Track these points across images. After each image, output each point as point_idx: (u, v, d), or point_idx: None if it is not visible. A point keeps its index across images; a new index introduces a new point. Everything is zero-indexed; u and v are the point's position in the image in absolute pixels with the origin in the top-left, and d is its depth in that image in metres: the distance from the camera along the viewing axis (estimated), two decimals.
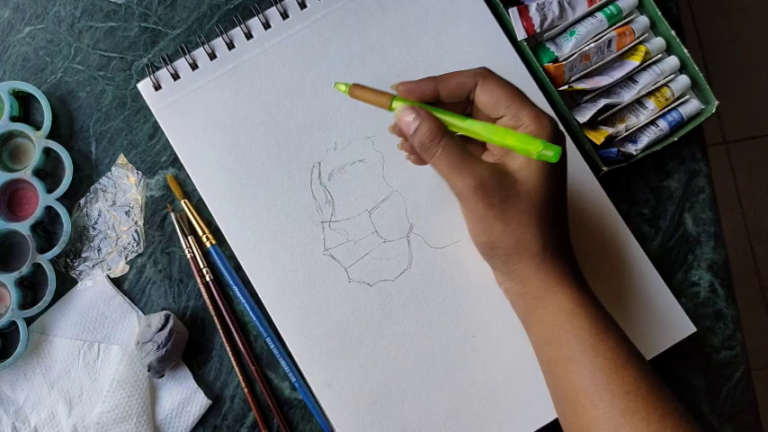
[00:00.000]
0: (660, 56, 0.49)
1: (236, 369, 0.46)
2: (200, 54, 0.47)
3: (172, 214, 0.47)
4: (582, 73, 0.48)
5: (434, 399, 0.45)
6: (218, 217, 0.46)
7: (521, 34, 0.47)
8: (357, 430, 0.44)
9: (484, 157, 0.40)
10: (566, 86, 0.47)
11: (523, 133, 0.37)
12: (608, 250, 0.47)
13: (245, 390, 0.46)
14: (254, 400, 0.46)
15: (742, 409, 0.47)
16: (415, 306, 0.46)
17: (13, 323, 0.45)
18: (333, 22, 0.48)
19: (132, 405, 0.45)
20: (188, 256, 0.47)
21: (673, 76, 0.49)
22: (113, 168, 0.48)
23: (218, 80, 0.47)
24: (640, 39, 0.48)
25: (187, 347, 0.46)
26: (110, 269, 0.47)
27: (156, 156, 0.48)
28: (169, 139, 0.47)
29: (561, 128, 0.39)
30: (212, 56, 0.47)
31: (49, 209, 0.46)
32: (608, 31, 0.48)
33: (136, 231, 0.47)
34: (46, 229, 0.47)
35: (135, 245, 0.47)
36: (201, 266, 0.46)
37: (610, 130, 0.47)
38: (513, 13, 0.47)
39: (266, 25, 0.47)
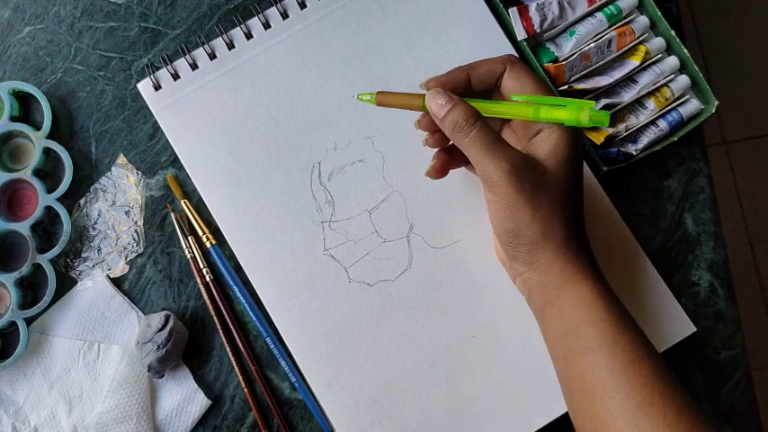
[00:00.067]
0: (660, 56, 0.49)
1: (236, 369, 0.46)
2: (200, 54, 0.47)
3: (172, 214, 0.47)
4: (582, 73, 0.48)
5: (434, 399, 0.45)
6: (218, 217, 0.46)
7: (521, 34, 0.47)
8: (357, 430, 0.44)
9: (524, 141, 0.40)
10: (566, 86, 0.47)
11: (570, 100, 0.37)
12: (608, 250, 0.47)
13: (245, 390, 0.46)
14: (254, 400, 0.46)
15: (742, 409, 0.47)
16: (415, 306, 0.46)
17: (13, 323, 0.45)
18: (333, 22, 0.48)
19: (132, 405, 0.45)
20: (188, 256, 0.47)
21: (673, 76, 0.49)
22: (113, 168, 0.48)
23: (218, 80, 0.47)
24: (640, 39, 0.48)
25: (187, 347, 0.46)
26: (110, 269, 0.47)
27: (156, 156, 0.48)
28: (169, 139, 0.47)
29: None
30: (212, 56, 0.47)
31: (49, 209, 0.46)
32: (608, 31, 0.48)
33: (136, 231, 0.47)
34: (46, 230, 0.47)
35: (135, 245, 0.47)
36: (201, 266, 0.46)
37: (610, 130, 0.47)
38: (513, 13, 0.47)
39: (266, 25, 0.47)
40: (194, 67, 0.47)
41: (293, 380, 0.46)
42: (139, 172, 0.48)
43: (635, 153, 0.47)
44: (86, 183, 0.48)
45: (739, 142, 1.31)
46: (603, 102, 0.47)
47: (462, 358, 0.45)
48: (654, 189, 0.49)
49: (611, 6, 0.48)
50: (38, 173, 0.47)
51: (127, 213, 0.47)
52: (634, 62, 0.48)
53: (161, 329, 0.43)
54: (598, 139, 0.46)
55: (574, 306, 0.38)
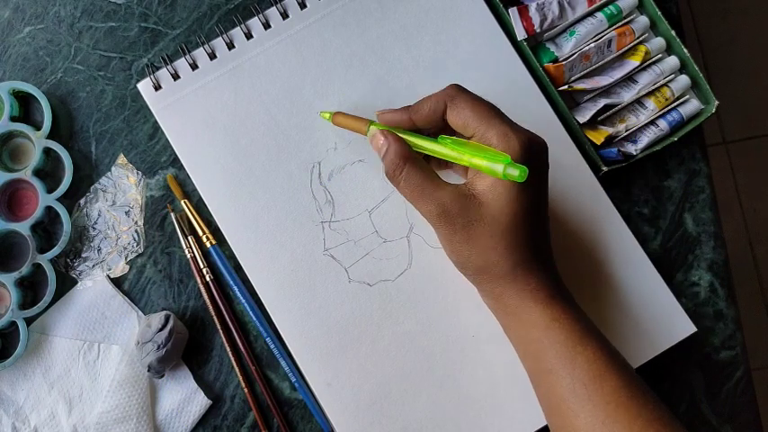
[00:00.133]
0: (660, 56, 0.49)
1: (236, 369, 0.46)
2: (200, 54, 0.47)
3: (172, 214, 0.47)
4: (582, 73, 0.48)
5: (434, 399, 0.45)
6: (218, 217, 0.46)
7: (521, 34, 0.47)
8: (357, 430, 0.44)
9: (469, 174, 0.39)
10: (566, 86, 0.47)
11: (487, 153, 0.36)
12: (608, 250, 0.47)
13: (245, 390, 0.46)
14: (254, 400, 0.46)
15: (742, 409, 0.47)
16: (414, 306, 0.46)
17: (13, 323, 0.45)
18: (333, 22, 0.48)
19: (132, 405, 0.45)
20: (188, 256, 0.47)
21: (673, 76, 0.49)
22: (113, 168, 0.48)
23: (218, 80, 0.47)
24: (640, 39, 0.48)
25: (187, 347, 0.46)
26: (110, 269, 0.47)
27: (156, 156, 0.48)
28: (169, 139, 0.47)
29: (539, 141, 0.38)
30: (212, 56, 0.47)
31: (49, 209, 0.46)
32: (608, 31, 0.48)
33: (136, 231, 0.47)
34: (46, 230, 0.47)
35: (135, 245, 0.47)
36: (201, 266, 0.46)
37: (610, 130, 0.47)
38: (513, 13, 0.47)
39: (266, 25, 0.47)
40: (194, 67, 0.47)
41: (293, 380, 0.46)
42: (139, 172, 0.48)
43: (635, 153, 0.47)
44: (86, 183, 0.48)
45: (739, 142, 1.31)
46: (603, 102, 0.47)
47: (462, 358, 0.45)
48: (654, 189, 0.49)
49: (611, 6, 0.48)
50: (38, 173, 0.47)
51: (127, 213, 0.47)
52: (634, 62, 0.48)
53: (161, 329, 0.43)
54: (598, 139, 0.46)
55: (528, 331, 0.38)
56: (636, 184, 0.49)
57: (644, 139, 0.47)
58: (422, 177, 0.38)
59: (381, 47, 0.48)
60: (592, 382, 0.35)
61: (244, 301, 0.46)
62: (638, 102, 0.48)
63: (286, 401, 0.46)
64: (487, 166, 0.35)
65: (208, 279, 0.46)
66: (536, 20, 0.47)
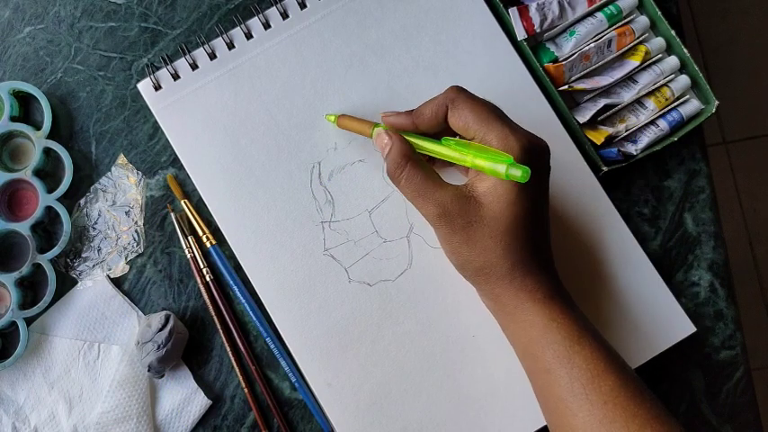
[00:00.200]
0: (660, 56, 0.49)
1: (236, 369, 0.46)
2: (200, 54, 0.47)
3: (172, 214, 0.47)
4: (582, 73, 0.48)
5: (434, 399, 0.45)
6: (218, 217, 0.46)
7: (521, 34, 0.47)
8: (357, 430, 0.44)
9: (470, 175, 0.39)
10: (566, 86, 0.47)
11: (489, 154, 0.36)
12: (608, 250, 0.47)
13: (245, 390, 0.46)
14: (254, 400, 0.46)
15: (742, 409, 0.47)
16: (414, 306, 0.46)
17: (13, 323, 0.45)
18: (333, 22, 0.48)
19: (132, 405, 0.45)
20: (188, 256, 0.47)
21: (673, 76, 0.49)
22: (113, 168, 0.48)
23: (218, 80, 0.47)
24: (640, 39, 0.48)
25: (187, 347, 0.46)
26: (110, 269, 0.47)
27: (156, 156, 0.48)
28: (169, 139, 0.47)
29: (540, 143, 0.38)
30: (212, 56, 0.47)
31: (49, 209, 0.46)
32: (608, 31, 0.48)
33: (136, 231, 0.47)
34: (46, 230, 0.47)
35: (135, 245, 0.47)
36: (201, 266, 0.46)
37: (610, 130, 0.47)
38: (513, 13, 0.47)
39: (266, 25, 0.47)
40: (194, 67, 0.47)
41: (293, 380, 0.46)
42: (139, 172, 0.48)
43: (635, 153, 0.47)
44: (86, 183, 0.48)
45: (739, 142, 1.31)
46: (603, 102, 0.47)
47: (462, 358, 0.45)
48: (654, 189, 0.49)
49: (611, 6, 0.48)
50: (38, 173, 0.47)
51: (127, 213, 0.47)
52: (634, 62, 0.48)
53: (161, 329, 0.43)
54: (598, 139, 0.46)
55: (526, 331, 0.38)
56: (636, 184, 0.49)
57: (644, 139, 0.47)
58: (423, 177, 0.38)
59: (381, 47, 0.48)
60: (589, 381, 0.36)
61: (244, 301, 0.46)
62: (638, 102, 0.48)
63: (286, 401, 0.46)
64: (490, 167, 0.36)
65: (208, 279, 0.46)
66: (536, 20, 0.47)
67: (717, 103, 0.47)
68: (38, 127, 0.47)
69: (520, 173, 0.34)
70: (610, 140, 0.48)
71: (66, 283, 0.47)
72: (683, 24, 0.51)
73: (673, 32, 0.48)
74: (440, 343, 0.45)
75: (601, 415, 0.35)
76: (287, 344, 0.45)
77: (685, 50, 0.48)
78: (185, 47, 0.48)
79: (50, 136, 0.47)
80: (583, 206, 0.47)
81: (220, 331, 0.46)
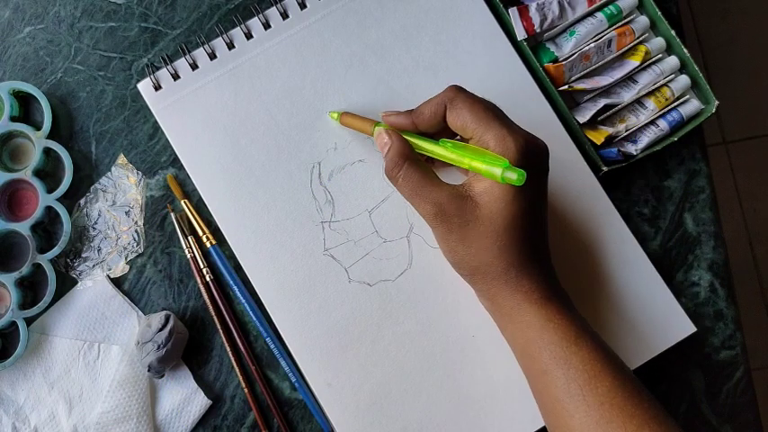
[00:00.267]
0: (660, 56, 0.49)
1: (236, 369, 0.46)
2: (200, 54, 0.47)
3: (172, 214, 0.47)
4: (582, 73, 0.48)
5: (434, 399, 0.45)
6: (218, 217, 0.46)
7: (521, 34, 0.47)
8: (357, 430, 0.44)
9: (468, 174, 0.39)
10: (566, 86, 0.47)
11: (486, 157, 0.36)
12: (608, 250, 0.47)
13: (245, 390, 0.46)
14: (254, 400, 0.46)
15: (742, 409, 0.47)
16: (414, 306, 0.46)
17: (13, 323, 0.45)
18: (333, 22, 0.48)
19: (132, 405, 0.45)
20: (188, 256, 0.47)
21: (673, 76, 0.49)
22: (113, 168, 0.48)
23: (218, 80, 0.47)
24: (640, 39, 0.48)
25: (187, 347, 0.46)
26: (110, 269, 0.47)
27: (156, 156, 0.48)
28: (169, 139, 0.47)
29: (538, 144, 0.38)
30: (212, 56, 0.47)
31: (49, 209, 0.46)
32: (608, 31, 0.48)
33: (136, 231, 0.47)
34: (46, 230, 0.47)
35: (135, 245, 0.47)
36: (201, 266, 0.46)
37: (610, 130, 0.47)
38: (513, 13, 0.47)
39: (266, 25, 0.47)
40: (194, 67, 0.47)
41: (293, 380, 0.46)
42: (139, 172, 0.48)
43: (635, 153, 0.47)
44: (86, 183, 0.48)
45: (739, 142, 1.31)
46: (603, 102, 0.47)
47: (462, 358, 0.45)
48: (654, 189, 0.49)
49: (611, 6, 0.48)
50: (38, 173, 0.47)
51: (127, 213, 0.47)
52: (634, 62, 0.48)
53: (161, 329, 0.43)
54: (598, 139, 0.46)
55: (523, 332, 0.38)
56: (636, 184, 0.49)
57: (644, 139, 0.47)
58: (420, 176, 0.38)
59: (381, 47, 0.48)
60: (586, 382, 0.36)
61: (244, 301, 0.46)
62: (638, 102, 0.48)
63: (286, 401, 0.46)
64: (486, 170, 0.36)
65: (208, 279, 0.46)
66: (536, 20, 0.47)
67: (717, 103, 0.47)
68: (38, 127, 0.47)
69: (515, 176, 0.34)
70: (610, 140, 0.48)
71: (66, 283, 0.47)
72: (683, 24, 0.51)
73: (673, 32, 0.48)
74: (440, 343, 0.45)
75: (598, 416, 0.35)
76: (287, 344, 0.45)
77: (685, 50, 0.48)
78: (185, 47, 0.48)
79: (50, 136, 0.47)
80: (583, 206, 0.47)
81: (220, 331, 0.46)
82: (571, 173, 0.47)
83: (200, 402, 0.45)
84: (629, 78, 0.49)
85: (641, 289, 0.47)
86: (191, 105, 0.47)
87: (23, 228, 0.46)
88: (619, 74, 0.48)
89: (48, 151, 0.47)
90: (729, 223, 1.29)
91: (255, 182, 0.46)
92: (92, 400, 0.46)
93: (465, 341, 0.45)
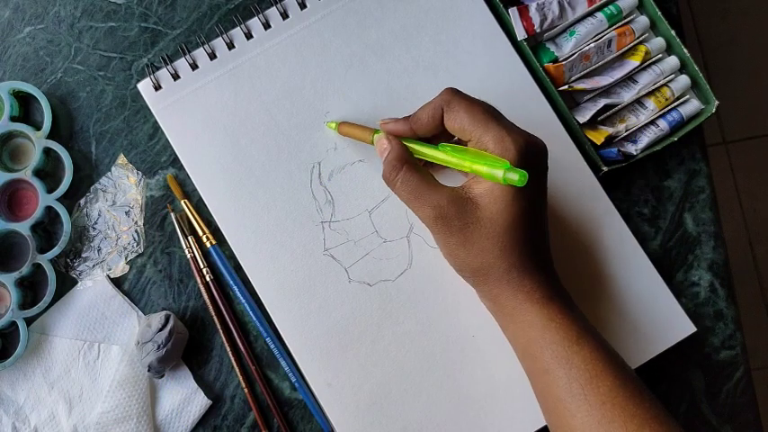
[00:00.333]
0: (660, 56, 0.49)
1: (236, 369, 0.46)
2: (200, 54, 0.47)
3: (172, 214, 0.47)
4: (582, 73, 0.48)
5: (434, 399, 0.45)
6: (218, 217, 0.46)
7: (521, 34, 0.47)
8: (357, 430, 0.44)
9: (467, 176, 0.39)
10: (566, 86, 0.47)
11: (487, 159, 0.36)
12: (608, 250, 0.47)
13: (246, 390, 0.46)
14: (254, 400, 0.46)
15: (742, 409, 0.47)
16: (414, 306, 0.46)
17: (13, 323, 0.45)
18: (333, 22, 0.48)
19: (132, 405, 0.45)
20: (188, 256, 0.47)
21: (673, 76, 0.49)
22: (113, 168, 0.48)
23: (218, 80, 0.47)
24: (640, 39, 0.48)
25: (187, 347, 0.46)
26: (110, 269, 0.47)
27: (156, 156, 0.48)
28: (169, 139, 0.47)
29: (537, 144, 0.38)
30: (212, 56, 0.47)
31: (49, 209, 0.46)
32: (608, 31, 0.48)
33: (136, 231, 0.47)
34: (46, 230, 0.47)
35: (135, 245, 0.47)
36: (201, 266, 0.46)
37: (610, 130, 0.47)
38: (513, 13, 0.47)
39: (266, 25, 0.47)
40: (194, 67, 0.47)
41: (293, 380, 0.46)
42: (139, 172, 0.48)
43: (635, 153, 0.47)
44: (86, 183, 0.48)
45: (739, 142, 1.31)
46: (603, 102, 0.47)
47: (462, 358, 0.45)
48: (654, 189, 0.49)
49: (611, 6, 0.48)
50: (38, 173, 0.47)
51: (127, 213, 0.47)
52: (634, 62, 0.48)
53: (161, 329, 0.43)
54: (598, 139, 0.46)
55: (525, 331, 0.38)
56: (636, 184, 0.49)
57: (644, 139, 0.47)
58: (418, 180, 0.38)
59: (381, 47, 0.48)
60: (588, 382, 0.36)
61: (244, 301, 0.46)
62: (638, 102, 0.48)
63: (286, 401, 0.46)
64: (488, 172, 0.36)
65: (208, 279, 0.46)
66: (536, 20, 0.47)
67: (717, 103, 0.47)
68: (38, 127, 0.47)
69: (517, 177, 0.34)
70: (610, 140, 0.48)
71: (66, 283, 0.47)
72: (683, 24, 0.51)
73: (673, 32, 0.48)
74: (440, 343, 0.45)
75: (599, 415, 0.35)
76: (287, 344, 0.45)
77: (685, 50, 0.48)
78: (185, 47, 0.48)
79: (50, 136, 0.47)
80: (583, 206, 0.47)
81: (220, 331, 0.46)
82: (571, 173, 0.47)
83: (200, 402, 0.45)
84: (629, 78, 0.49)
85: (641, 289, 0.46)
86: (191, 105, 0.47)
87: (23, 228, 0.46)
88: (619, 74, 0.48)
89: (48, 151, 0.47)
90: (729, 223, 1.29)
91: (255, 182, 0.46)
92: (92, 400, 0.46)
93: (465, 341, 0.45)
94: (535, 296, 0.38)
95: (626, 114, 0.48)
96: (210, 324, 0.47)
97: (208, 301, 0.46)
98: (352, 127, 0.44)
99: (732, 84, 1.31)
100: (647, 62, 0.48)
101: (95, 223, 0.47)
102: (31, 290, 0.47)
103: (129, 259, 0.47)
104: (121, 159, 0.48)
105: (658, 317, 0.46)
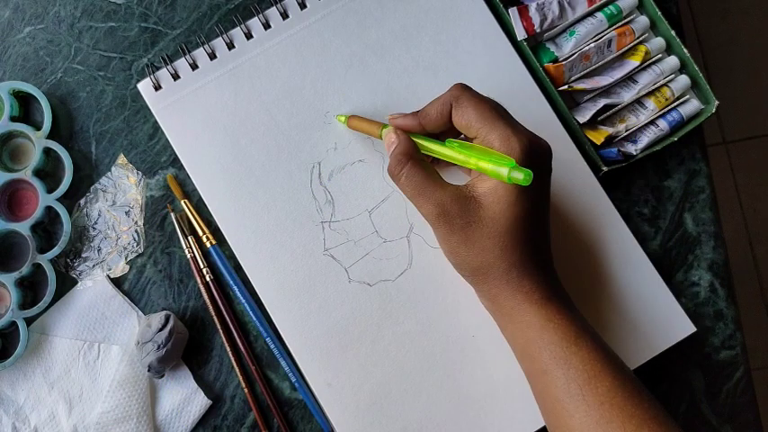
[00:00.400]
0: (660, 56, 0.49)
1: (236, 369, 0.46)
2: (200, 54, 0.47)
3: (172, 214, 0.47)
4: (582, 73, 0.48)
5: (434, 399, 0.45)
6: (218, 217, 0.46)
7: (521, 34, 0.47)
8: (357, 430, 0.44)
9: (471, 175, 0.39)
10: (566, 86, 0.47)
11: (492, 157, 0.36)
12: (608, 250, 0.47)
13: (246, 390, 0.46)
14: (254, 400, 0.46)
15: (742, 409, 0.47)
16: (414, 306, 0.46)
17: (13, 323, 0.45)
18: (333, 22, 0.48)
19: (132, 405, 0.45)
20: (188, 256, 0.47)
21: (673, 76, 0.49)
22: (113, 168, 0.48)
23: (218, 80, 0.47)
24: (640, 39, 0.48)
25: (187, 347, 0.46)
26: (110, 269, 0.47)
27: (156, 156, 0.48)
28: (169, 139, 0.47)
29: (542, 144, 0.38)
30: (212, 56, 0.47)
31: (49, 209, 0.46)
32: (608, 31, 0.48)
33: (136, 231, 0.47)
34: (46, 230, 0.47)
35: (135, 245, 0.47)
36: (201, 266, 0.46)
37: (610, 130, 0.47)
38: (513, 13, 0.47)
39: (266, 25, 0.47)
40: (194, 67, 0.47)
41: (293, 380, 0.46)
42: (139, 172, 0.48)
43: (635, 153, 0.47)
44: (86, 183, 0.48)
45: (739, 142, 1.31)
46: (603, 102, 0.47)
47: (462, 358, 0.45)
48: (654, 189, 0.49)
49: (611, 6, 0.48)
50: (38, 173, 0.47)
51: (127, 213, 0.47)
52: (634, 62, 0.48)
53: (161, 329, 0.43)
54: (598, 139, 0.46)
55: (523, 332, 0.38)
56: (636, 184, 0.49)
57: (644, 139, 0.47)
58: (423, 176, 0.38)
59: (381, 47, 0.48)
60: (586, 382, 0.36)
61: (244, 301, 0.46)
62: (638, 102, 0.48)
63: (286, 401, 0.46)
64: (493, 170, 0.36)
65: (208, 279, 0.46)
66: (536, 20, 0.47)
67: (717, 103, 0.47)
68: (38, 127, 0.47)
69: (522, 176, 0.34)
70: (610, 140, 0.48)
71: (66, 283, 0.47)
72: (683, 24, 0.51)
73: (673, 32, 0.48)
74: (440, 343, 0.45)
75: (597, 416, 0.35)
76: (287, 344, 0.45)
77: (685, 50, 0.48)
78: (185, 47, 0.48)
79: (50, 136, 0.47)
80: (583, 206, 0.47)
81: (220, 331, 0.46)
82: (571, 173, 0.47)
83: (200, 402, 0.45)
84: (629, 78, 0.49)
85: (641, 289, 0.47)
86: (191, 105, 0.47)
87: (23, 228, 0.46)
88: (619, 74, 0.48)
89: (48, 151, 0.47)
90: (729, 223, 1.29)
91: (255, 182, 0.46)
92: (92, 400, 0.46)
93: (465, 341, 0.45)
94: (534, 297, 0.38)
95: (626, 114, 0.48)
96: (210, 324, 0.47)
97: (208, 301, 0.46)
98: (362, 121, 0.45)
99: (732, 84, 1.31)
100: (647, 62, 0.48)
101: (95, 223, 0.47)
102: (31, 290, 0.47)
103: (129, 259, 0.47)
104: (121, 159, 0.48)
105: (658, 317, 0.46)
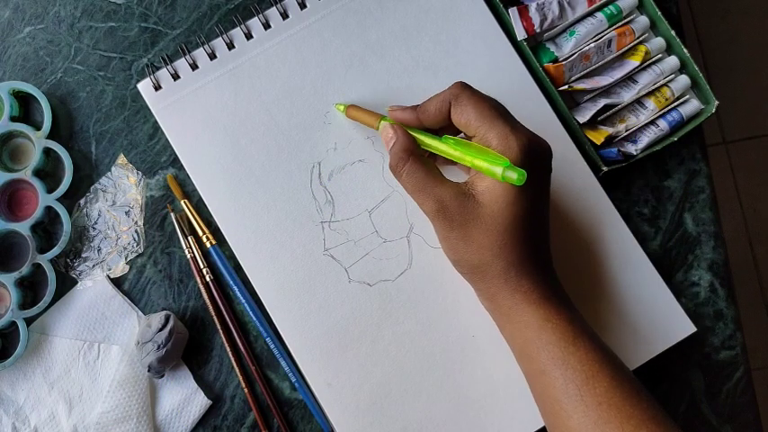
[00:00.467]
0: (660, 56, 0.49)
1: (236, 369, 0.46)
2: (200, 54, 0.47)
3: (172, 214, 0.47)
4: (582, 73, 0.48)
5: (434, 399, 0.45)
6: (218, 217, 0.46)
7: (521, 34, 0.47)
8: (357, 430, 0.44)
9: (471, 173, 0.40)
10: (566, 86, 0.47)
11: (488, 155, 0.36)
12: (608, 250, 0.47)
13: (245, 390, 0.46)
14: (254, 400, 0.46)
15: (742, 409, 0.47)
16: (414, 306, 0.46)
17: (13, 323, 0.45)
18: (333, 22, 0.48)
19: (132, 405, 0.45)
20: (188, 256, 0.47)
21: (673, 76, 0.49)
22: (113, 168, 0.48)
23: (218, 80, 0.47)
24: (640, 39, 0.48)
25: (187, 347, 0.46)
26: (110, 269, 0.47)
27: (156, 156, 0.48)
28: (169, 139, 0.47)
29: (542, 144, 0.38)
30: (212, 56, 0.47)
31: (49, 209, 0.46)
32: (608, 31, 0.48)
33: (136, 231, 0.47)
34: (46, 230, 0.47)
35: (135, 245, 0.47)
36: (201, 266, 0.46)
37: (610, 130, 0.47)
38: (513, 13, 0.47)
39: (266, 25, 0.47)
40: (194, 67, 0.47)
41: (293, 380, 0.46)
42: (139, 172, 0.48)
43: (635, 153, 0.47)
44: (86, 183, 0.48)
45: (739, 142, 1.31)
46: (603, 102, 0.47)
47: (462, 358, 0.45)
48: (654, 189, 0.49)
49: (611, 6, 0.48)
50: (38, 173, 0.47)
51: (127, 213, 0.47)
52: (634, 62, 0.48)
53: (161, 329, 0.43)
54: (598, 139, 0.46)
55: (521, 332, 0.38)
56: (636, 184, 0.49)
57: (644, 139, 0.47)
58: (424, 172, 0.38)
59: (381, 47, 0.48)
60: (584, 383, 0.36)
61: (244, 301, 0.46)
62: (638, 102, 0.48)
63: (286, 401, 0.46)
64: (487, 168, 0.36)
65: (208, 279, 0.46)
66: (536, 20, 0.47)
67: (717, 103, 0.47)
68: (38, 127, 0.47)
69: (516, 176, 0.34)
70: (610, 140, 0.48)
71: (67, 283, 0.47)
72: (683, 24, 0.51)
73: (673, 32, 0.48)
74: (440, 343, 0.45)
75: (596, 416, 0.35)
76: (287, 344, 0.45)
77: (685, 50, 0.48)
78: (185, 47, 0.48)
79: (50, 136, 0.47)
80: (583, 206, 0.47)
81: (220, 331, 0.46)
82: (571, 173, 0.47)
83: (200, 402, 0.45)
84: (629, 78, 0.49)
85: (641, 289, 0.47)
86: (191, 105, 0.47)
87: (23, 228, 0.46)
88: (619, 74, 0.48)
89: (48, 151, 0.47)
90: (729, 223, 1.29)
91: (255, 182, 0.46)
92: (92, 400, 0.46)
93: (465, 341, 0.45)
94: (532, 296, 0.38)
95: (626, 114, 0.48)
96: (210, 324, 0.47)
97: (208, 301, 0.46)
98: (360, 111, 0.45)
99: (732, 84, 1.31)
100: (647, 62, 0.48)
101: (95, 223, 0.47)
102: (31, 290, 0.47)
103: (129, 259, 0.47)
104: (121, 159, 0.48)
105: (658, 317, 0.46)
